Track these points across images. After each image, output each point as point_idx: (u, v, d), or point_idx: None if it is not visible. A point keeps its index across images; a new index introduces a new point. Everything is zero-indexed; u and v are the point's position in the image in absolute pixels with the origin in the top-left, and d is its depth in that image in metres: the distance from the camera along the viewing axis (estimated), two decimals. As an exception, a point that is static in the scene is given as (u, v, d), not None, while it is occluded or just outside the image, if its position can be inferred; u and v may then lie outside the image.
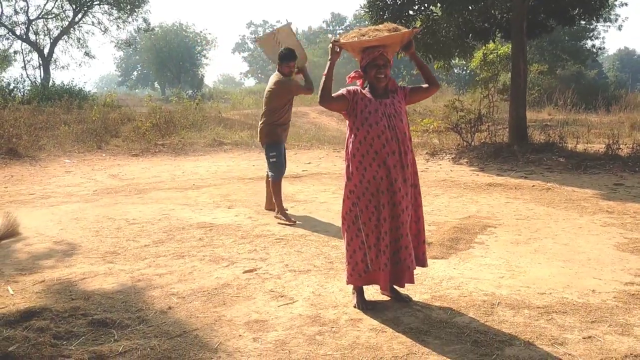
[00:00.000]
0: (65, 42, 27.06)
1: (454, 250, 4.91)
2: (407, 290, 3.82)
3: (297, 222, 6.06)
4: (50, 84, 24.57)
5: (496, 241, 5.24)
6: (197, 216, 6.36)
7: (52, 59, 26.19)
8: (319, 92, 3.40)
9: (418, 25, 13.51)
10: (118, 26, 27.21)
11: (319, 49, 52.20)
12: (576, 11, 12.39)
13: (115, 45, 28.52)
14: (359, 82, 3.58)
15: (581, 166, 10.23)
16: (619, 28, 52.83)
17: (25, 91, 22.73)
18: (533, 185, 8.50)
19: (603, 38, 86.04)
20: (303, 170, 10.32)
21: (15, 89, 22.90)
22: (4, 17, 25.09)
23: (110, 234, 5.52)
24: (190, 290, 3.87)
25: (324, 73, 3.41)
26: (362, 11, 12.88)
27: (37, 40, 25.76)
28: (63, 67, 27.88)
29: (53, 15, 26.08)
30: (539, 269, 4.37)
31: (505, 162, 11.15)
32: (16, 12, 25.87)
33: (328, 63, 3.43)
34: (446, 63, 14.15)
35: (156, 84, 54.42)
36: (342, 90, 3.47)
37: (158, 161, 12.10)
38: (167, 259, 4.64)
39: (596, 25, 42.23)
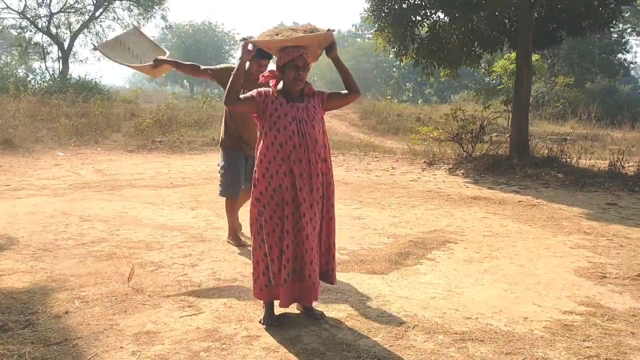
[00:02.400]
0: (85, 36, 27.44)
1: (398, 266, 4.66)
2: (325, 306, 3.61)
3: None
4: (68, 77, 24.90)
5: (449, 258, 4.98)
6: (155, 216, 6.24)
7: (72, 53, 26.53)
8: (225, 92, 3.21)
9: (424, 32, 13.28)
10: (138, 22, 27.36)
11: (346, 53, 52.12)
12: (586, 23, 11.98)
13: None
14: (272, 83, 3.37)
15: (579, 183, 9.84)
16: (652, 42, 51.24)
17: (43, 83, 23.05)
18: (519, 201, 8.16)
19: (635, 52, 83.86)
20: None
21: (33, 80, 23.29)
22: (27, 9, 25.52)
23: (56, 230, 5.42)
24: (99, 294, 3.72)
25: (232, 72, 3.23)
26: (365, 15, 12.63)
27: (58, 34, 26.12)
28: (81, 61, 28.18)
29: (74, 9, 26.43)
30: (478, 290, 4.11)
31: (502, 175, 10.81)
32: (39, 5, 26.27)
33: (238, 62, 3.24)
34: (453, 71, 13.83)
35: (185, 82, 54.99)
36: (253, 92, 3.27)
37: (151, 158, 12.07)
38: (96, 259, 4.50)
39: (628, 39, 41.34)
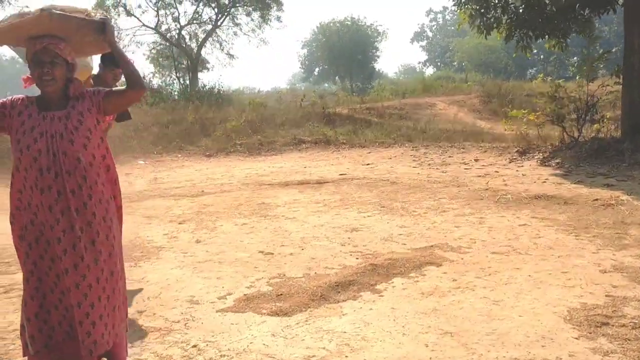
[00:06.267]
0: (211, 44, 28.75)
1: (322, 302, 3.66)
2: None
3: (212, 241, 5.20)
4: (200, 85, 26.32)
5: (404, 289, 3.84)
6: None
7: (199, 61, 27.96)
8: None
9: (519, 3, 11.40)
10: (258, 26, 28.03)
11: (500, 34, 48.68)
12: None
13: (257, 46, 29.45)
14: None
15: None
16: None
17: (173, 94, 24.44)
18: (595, 199, 6.42)
19: None
20: (340, 175, 9.22)
21: (165, 91, 24.81)
22: (160, 24, 27.40)
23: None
24: None
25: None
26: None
27: (186, 45, 27.68)
28: (208, 69, 29.55)
29: (199, 21, 27.84)
30: (386, 345, 3.00)
31: (607, 162, 8.85)
32: (174, 20, 28.08)
33: None
34: (559, 42, 11.73)
35: (337, 79, 55.93)
36: None
37: (223, 162, 11.93)
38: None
39: None
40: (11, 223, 2.58)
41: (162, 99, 20.32)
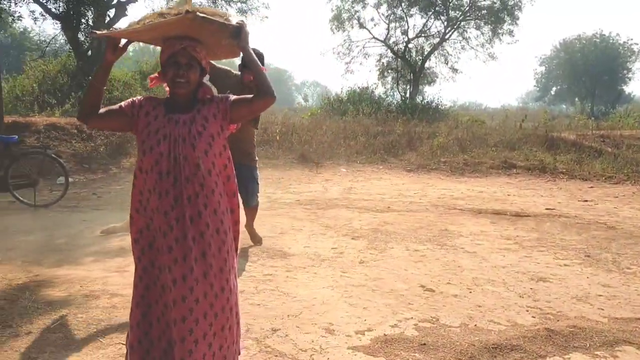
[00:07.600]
0: (436, 58, 28.29)
1: (470, 364, 3.04)
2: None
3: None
4: (420, 98, 26.26)
5: (582, 373, 3.00)
6: (296, 239, 5.76)
7: (423, 74, 27.74)
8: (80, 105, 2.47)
9: None
10: (487, 41, 26.73)
11: None
12: None
13: (484, 61, 28.09)
14: (166, 88, 2.51)
15: None
16: None
17: (391, 105, 24.65)
18: None
19: None
20: (546, 209, 8.06)
21: (384, 101, 25.20)
22: (389, 37, 27.91)
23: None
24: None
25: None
26: None
27: (411, 58, 27.68)
28: (431, 83, 28.93)
29: (427, 34, 27.61)
30: None
31: None
32: (403, 33, 28.38)
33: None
34: None
35: (577, 100, 51.71)
36: (124, 102, 2.44)
37: (421, 179, 11.46)
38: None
39: None
40: (130, 225, 2.52)
41: (380, 109, 20.58)
